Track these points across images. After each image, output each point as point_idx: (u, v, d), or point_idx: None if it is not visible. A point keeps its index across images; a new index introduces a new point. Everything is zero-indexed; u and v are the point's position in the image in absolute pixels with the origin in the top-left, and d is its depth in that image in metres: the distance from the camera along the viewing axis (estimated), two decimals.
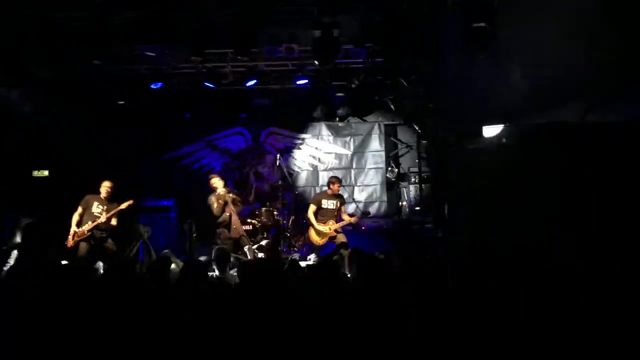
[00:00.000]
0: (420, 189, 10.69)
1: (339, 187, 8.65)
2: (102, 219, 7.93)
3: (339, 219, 8.62)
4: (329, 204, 8.58)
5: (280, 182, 11.38)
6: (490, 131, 9.11)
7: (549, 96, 8.16)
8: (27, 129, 9.72)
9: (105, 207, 8.06)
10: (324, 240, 8.57)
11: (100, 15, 7.75)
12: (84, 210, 8.04)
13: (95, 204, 8.05)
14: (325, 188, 8.90)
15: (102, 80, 9.70)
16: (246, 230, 10.45)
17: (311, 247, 8.95)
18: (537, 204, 7.87)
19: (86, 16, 7.83)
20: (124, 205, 8.07)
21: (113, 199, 8.18)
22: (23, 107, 9.36)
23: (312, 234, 8.68)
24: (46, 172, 10.32)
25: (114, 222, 8.07)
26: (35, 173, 10.29)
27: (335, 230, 8.50)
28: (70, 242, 7.90)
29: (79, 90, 9.79)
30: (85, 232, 7.90)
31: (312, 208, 8.64)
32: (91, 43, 8.00)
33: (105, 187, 8.10)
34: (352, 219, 8.61)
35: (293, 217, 11.09)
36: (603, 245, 5.45)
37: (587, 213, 5.96)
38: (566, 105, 7.71)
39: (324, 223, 8.55)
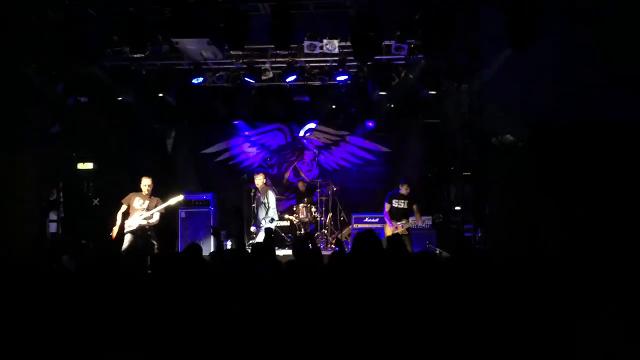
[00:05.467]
0: (461, 188, 10.47)
1: (408, 187, 8.86)
2: (147, 213, 8.04)
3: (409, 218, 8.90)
4: (399, 203, 8.88)
5: (318, 179, 11.34)
6: (528, 131, 8.96)
7: (582, 95, 7.98)
8: (71, 121, 9.94)
9: (147, 203, 8.16)
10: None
11: (141, 10, 7.89)
12: (128, 207, 8.18)
13: (138, 199, 8.16)
14: (399, 188, 9.03)
15: (143, 75, 9.84)
16: (284, 227, 10.54)
17: None
18: (578, 203, 7.68)
19: (126, 11, 7.98)
20: (172, 202, 8.20)
21: (154, 194, 8.29)
22: (66, 101, 9.58)
23: (386, 230, 9.04)
24: (90, 165, 10.54)
25: (156, 218, 8.17)
26: (80, 165, 10.52)
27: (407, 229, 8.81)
28: (114, 234, 8.05)
29: (120, 86, 9.97)
30: (132, 226, 8.04)
31: (387, 207, 8.98)
32: (131, 38, 8.14)
33: (145, 184, 8.20)
34: (419, 222, 8.95)
35: (331, 213, 11.04)
36: None
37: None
38: (598, 103, 7.52)
39: (396, 221, 8.83)
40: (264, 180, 9.65)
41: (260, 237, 8.96)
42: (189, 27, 7.48)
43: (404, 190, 8.86)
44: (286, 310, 3.56)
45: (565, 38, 7.30)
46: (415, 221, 8.87)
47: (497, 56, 8.30)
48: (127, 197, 8.22)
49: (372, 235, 4.78)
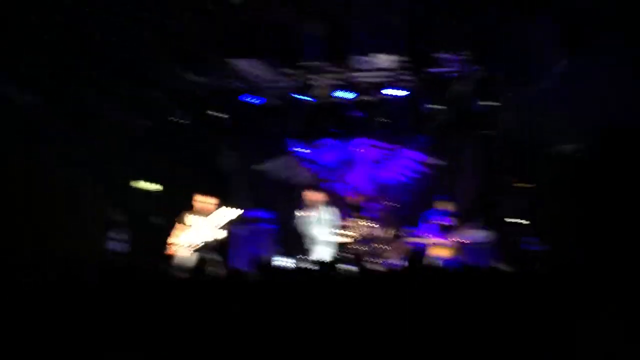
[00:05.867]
0: (520, 200, 10.24)
1: (448, 204, 9.23)
2: (198, 232, 8.20)
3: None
4: (442, 220, 9.24)
5: (373, 193, 11.30)
6: (590, 138, 8.69)
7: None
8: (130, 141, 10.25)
9: (201, 220, 8.30)
10: (445, 252, 9.05)
11: (194, 29, 8.07)
12: (186, 225, 8.36)
13: (197, 218, 8.32)
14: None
15: (197, 95, 10.08)
16: (340, 243, 10.53)
17: None
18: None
19: (180, 33, 8.19)
20: (219, 219, 8.32)
21: (207, 211, 8.43)
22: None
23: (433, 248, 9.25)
24: (151, 185, 10.83)
25: (209, 235, 8.30)
26: (142, 185, 10.82)
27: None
28: (171, 251, 8.23)
29: (175, 107, 10.24)
30: (197, 243, 8.22)
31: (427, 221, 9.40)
32: (186, 59, 8.35)
33: (198, 201, 8.36)
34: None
35: (387, 228, 10.96)
36: None
37: None
38: None
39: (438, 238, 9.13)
40: (319, 196, 9.68)
41: (320, 254, 9.03)
42: (243, 47, 7.63)
43: (447, 206, 9.11)
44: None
45: (622, 43, 7.08)
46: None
47: (555, 64, 8.12)
48: (185, 216, 8.40)
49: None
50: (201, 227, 8.25)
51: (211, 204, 8.38)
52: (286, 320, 3.71)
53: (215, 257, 8.40)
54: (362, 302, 4.01)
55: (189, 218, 8.33)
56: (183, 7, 7.62)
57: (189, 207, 8.45)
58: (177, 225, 8.35)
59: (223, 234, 8.54)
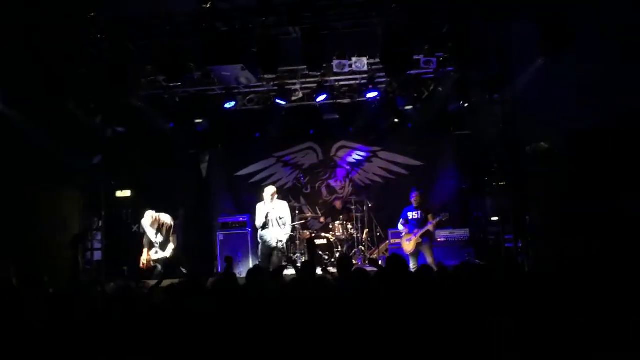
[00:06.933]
0: (497, 199, 10.41)
1: (418, 197, 9.11)
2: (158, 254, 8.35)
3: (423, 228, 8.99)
4: (413, 214, 9.10)
5: (352, 196, 11.38)
6: (563, 138, 8.89)
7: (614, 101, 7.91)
8: (109, 151, 10.18)
9: (164, 235, 8.45)
10: (411, 247, 9.00)
11: (173, 39, 8.09)
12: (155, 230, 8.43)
13: (151, 231, 8.47)
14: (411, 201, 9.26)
15: (177, 102, 10.07)
16: (321, 245, 10.55)
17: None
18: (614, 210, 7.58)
19: (160, 41, 8.20)
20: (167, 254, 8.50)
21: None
22: (105, 132, 9.83)
23: (403, 243, 9.24)
24: (129, 193, 10.75)
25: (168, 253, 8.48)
26: (119, 194, 10.74)
27: (419, 239, 8.94)
28: (144, 265, 8.29)
29: (155, 114, 10.21)
30: (152, 260, 8.28)
31: (402, 222, 9.26)
32: (166, 67, 8.33)
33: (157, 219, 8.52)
34: (430, 227, 8.99)
35: (367, 230, 11.04)
36: None
37: None
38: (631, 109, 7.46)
39: (409, 233, 9.06)
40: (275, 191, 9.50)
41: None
42: (224, 54, 7.64)
43: (415, 200, 9.09)
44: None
45: (597, 44, 7.28)
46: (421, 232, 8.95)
47: (529, 65, 8.28)
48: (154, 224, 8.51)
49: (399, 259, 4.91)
50: (171, 236, 8.30)
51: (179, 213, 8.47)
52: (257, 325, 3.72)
53: (183, 265, 8.47)
54: (338, 306, 4.02)
55: (161, 226, 8.37)
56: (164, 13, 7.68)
57: (170, 215, 8.45)
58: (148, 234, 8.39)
59: (205, 239, 8.59)
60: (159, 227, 8.47)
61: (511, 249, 8.74)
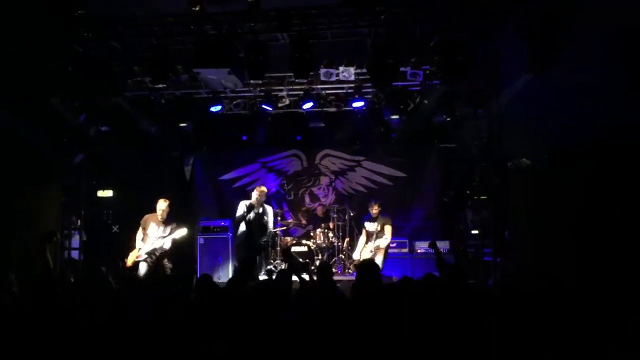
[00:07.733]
0: (478, 212, 10.47)
1: (377, 207, 9.12)
2: (158, 244, 8.15)
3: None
4: (370, 226, 9.15)
5: (335, 204, 11.40)
6: (547, 155, 8.96)
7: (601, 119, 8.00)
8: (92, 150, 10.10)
9: (162, 229, 8.23)
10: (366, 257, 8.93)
11: (161, 41, 8.07)
12: (144, 230, 8.25)
13: (153, 224, 8.23)
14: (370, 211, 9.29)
15: (162, 104, 10.04)
16: (301, 252, 10.53)
17: None
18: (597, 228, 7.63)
19: (147, 43, 8.18)
20: (177, 236, 8.25)
21: (170, 219, 8.36)
22: (89, 131, 9.74)
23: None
24: (110, 193, 10.68)
25: (167, 245, 8.22)
26: (100, 193, 10.66)
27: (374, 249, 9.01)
28: (129, 262, 8.13)
29: (140, 115, 10.16)
30: (142, 255, 8.11)
31: (363, 231, 9.39)
32: (153, 68, 8.30)
33: (160, 208, 8.26)
34: (379, 249, 8.99)
35: (348, 238, 11.06)
36: None
37: None
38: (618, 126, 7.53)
39: (366, 243, 9.19)
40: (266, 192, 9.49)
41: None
42: (211, 57, 7.64)
43: (373, 211, 9.10)
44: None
45: (582, 61, 7.36)
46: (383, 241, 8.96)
47: (515, 80, 8.35)
48: (143, 220, 8.31)
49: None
50: (157, 235, 8.18)
51: (165, 210, 8.27)
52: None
53: (167, 264, 8.36)
54: (319, 313, 4.03)
55: (149, 225, 8.24)
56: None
57: (151, 215, 8.35)
58: (138, 232, 8.26)
59: (186, 242, 8.49)
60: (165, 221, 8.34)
61: (489, 263, 8.76)
